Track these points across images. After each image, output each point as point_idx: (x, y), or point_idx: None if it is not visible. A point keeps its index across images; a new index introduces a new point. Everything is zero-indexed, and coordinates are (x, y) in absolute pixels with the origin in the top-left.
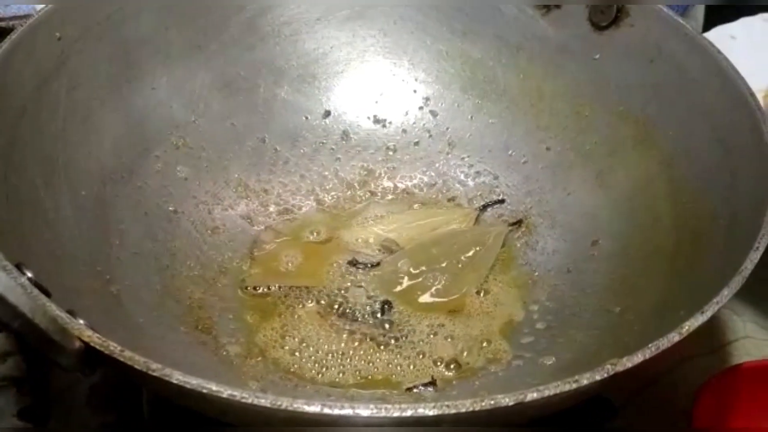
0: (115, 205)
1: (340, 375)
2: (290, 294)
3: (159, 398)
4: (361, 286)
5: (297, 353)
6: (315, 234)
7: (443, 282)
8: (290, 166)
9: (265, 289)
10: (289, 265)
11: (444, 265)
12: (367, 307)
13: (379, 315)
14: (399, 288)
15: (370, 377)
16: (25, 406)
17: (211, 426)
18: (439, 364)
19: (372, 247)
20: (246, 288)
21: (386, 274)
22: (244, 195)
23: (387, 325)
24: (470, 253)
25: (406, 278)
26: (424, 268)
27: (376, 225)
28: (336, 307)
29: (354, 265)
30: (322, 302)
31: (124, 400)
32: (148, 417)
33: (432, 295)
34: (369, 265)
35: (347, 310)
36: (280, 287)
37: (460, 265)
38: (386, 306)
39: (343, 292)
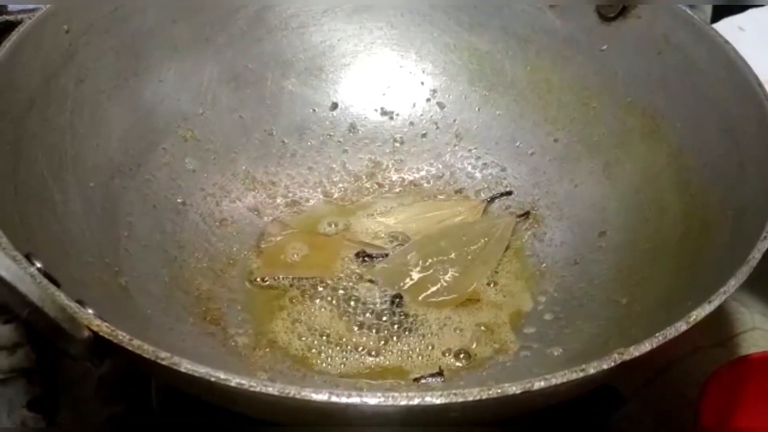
0: (123, 197)
1: (349, 366)
2: (298, 285)
3: (168, 389)
4: (369, 279)
5: (305, 344)
6: (333, 226)
7: (453, 275)
8: (298, 159)
9: (273, 281)
10: (295, 256)
11: (453, 257)
12: (376, 299)
13: (387, 307)
14: (408, 281)
15: (378, 368)
16: (35, 397)
17: (220, 416)
18: (447, 354)
19: (380, 239)
20: (254, 280)
21: (395, 267)
22: (252, 187)
23: (395, 317)
24: (479, 245)
25: (415, 271)
26: (433, 260)
27: (383, 217)
28: (344, 298)
29: (362, 257)
30: (330, 294)
31: (132, 390)
32: (157, 407)
33: (442, 289)
34: (377, 257)
35: (355, 302)
36: (287, 279)
37: (469, 257)
38: (396, 299)
39: (351, 283)
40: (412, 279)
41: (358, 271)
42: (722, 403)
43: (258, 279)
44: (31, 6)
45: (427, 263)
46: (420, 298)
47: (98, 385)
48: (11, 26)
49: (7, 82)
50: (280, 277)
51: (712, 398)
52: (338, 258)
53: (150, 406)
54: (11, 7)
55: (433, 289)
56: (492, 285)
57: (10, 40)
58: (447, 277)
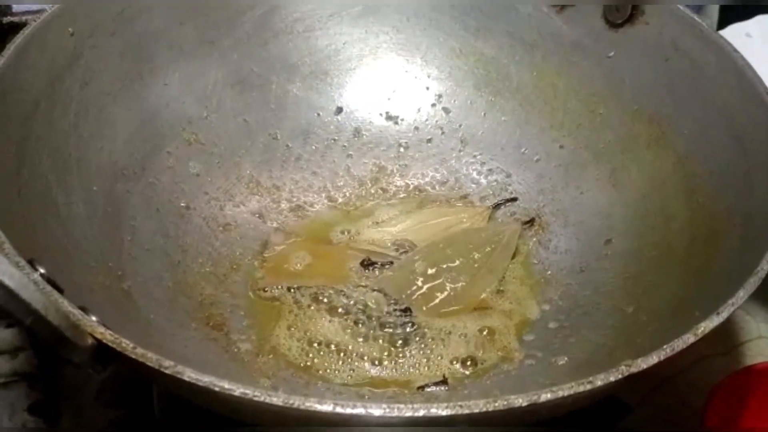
0: (127, 201)
1: (352, 374)
2: (302, 293)
3: (169, 395)
4: (375, 287)
5: (308, 351)
6: (346, 233)
7: (460, 283)
8: (302, 163)
9: (277, 289)
10: (298, 265)
11: (459, 265)
12: (381, 308)
13: (393, 315)
14: (416, 289)
15: (382, 376)
16: (36, 401)
17: (221, 423)
18: (452, 362)
19: (385, 246)
20: (257, 289)
21: (401, 275)
22: (256, 191)
23: (400, 324)
24: (485, 253)
25: (421, 280)
26: (439, 268)
27: (388, 224)
28: (348, 307)
29: (367, 265)
30: (334, 302)
31: (134, 396)
32: (158, 413)
33: (450, 298)
34: (382, 266)
35: (360, 310)
36: (290, 288)
37: (476, 265)
38: (402, 308)
39: (356, 292)
40: (419, 288)
41: (363, 279)
42: (727, 412)
43: (261, 289)
44: (35, 7)
45: (434, 271)
46: (428, 307)
47: (100, 391)
48: (16, 28)
49: (12, 84)
50: (286, 286)
51: (718, 407)
52: (343, 267)
53: (151, 412)
54: (16, 8)
55: (441, 297)
56: (499, 293)
57: (15, 42)
58: (455, 286)
